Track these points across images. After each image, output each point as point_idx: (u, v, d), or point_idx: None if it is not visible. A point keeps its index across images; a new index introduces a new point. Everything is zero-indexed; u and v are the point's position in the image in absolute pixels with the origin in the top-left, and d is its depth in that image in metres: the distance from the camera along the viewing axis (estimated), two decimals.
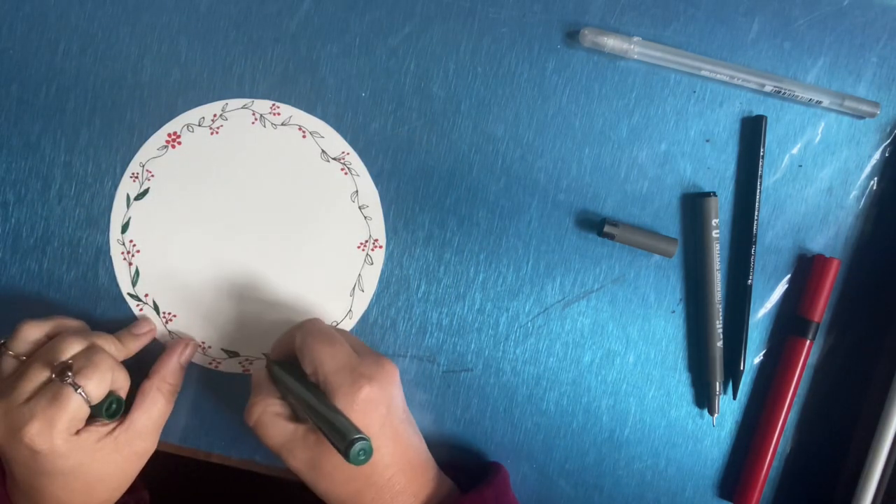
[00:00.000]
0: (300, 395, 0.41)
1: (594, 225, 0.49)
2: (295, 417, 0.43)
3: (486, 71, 0.48)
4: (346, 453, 0.36)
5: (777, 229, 0.49)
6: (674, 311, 0.49)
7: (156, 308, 0.49)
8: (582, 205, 0.49)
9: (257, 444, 0.50)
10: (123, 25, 0.48)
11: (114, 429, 0.44)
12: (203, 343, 0.49)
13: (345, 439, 0.36)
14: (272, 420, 0.42)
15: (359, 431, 0.37)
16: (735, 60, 0.48)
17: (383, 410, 0.41)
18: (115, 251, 0.49)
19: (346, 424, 0.37)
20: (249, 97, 0.49)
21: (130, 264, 0.49)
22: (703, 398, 0.50)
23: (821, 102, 0.47)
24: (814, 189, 0.49)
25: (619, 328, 0.49)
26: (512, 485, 0.49)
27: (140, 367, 0.46)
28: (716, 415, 0.49)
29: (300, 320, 0.49)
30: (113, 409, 0.43)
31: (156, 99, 0.49)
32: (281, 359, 0.46)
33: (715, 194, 0.48)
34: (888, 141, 0.49)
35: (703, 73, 0.47)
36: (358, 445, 0.36)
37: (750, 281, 0.48)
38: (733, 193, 0.49)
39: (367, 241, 0.49)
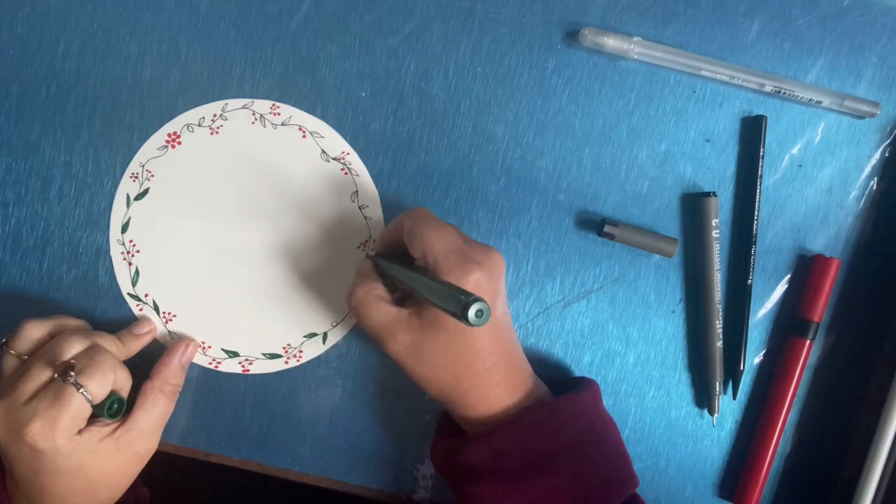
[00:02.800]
0: (408, 275, 0.40)
1: (594, 225, 0.49)
2: (398, 303, 0.42)
3: (486, 71, 0.48)
4: (464, 314, 0.34)
5: (777, 229, 0.49)
6: (674, 311, 0.49)
7: (156, 308, 0.49)
8: (582, 205, 0.49)
9: (257, 444, 0.50)
10: (123, 25, 0.48)
11: (115, 429, 0.44)
12: (203, 343, 0.49)
13: (461, 302, 0.34)
14: (376, 301, 0.41)
15: (474, 294, 0.35)
16: (735, 60, 0.48)
17: (490, 297, 0.40)
18: (115, 251, 0.49)
19: (460, 290, 0.36)
20: (249, 97, 0.49)
21: (130, 264, 0.49)
22: (703, 398, 0.50)
23: (821, 102, 0.47)
24: (814, 189, 0.49)
25: (619, 328, 0.49)
26: None
27: (141, 368, 0.46)
28: (716, 415, 0.49)
29: (300, 320, 0.49)
30: (115, 409, 0.43)
31: (156, 99, 0.49)
32: (384, 254, 0.45)
33: (715, 194, 0.48)
34: (888, 141, 0.49)
35: (703, 73, 0.47)
36: (476, 305, 0.34)
37: (750, 281, 0.48)
38: (733, 193, 0.49)
39: (367, 241, 0.49)
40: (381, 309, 0.41)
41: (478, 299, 0.34)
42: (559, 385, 0.45)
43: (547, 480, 0.40)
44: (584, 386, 0.44)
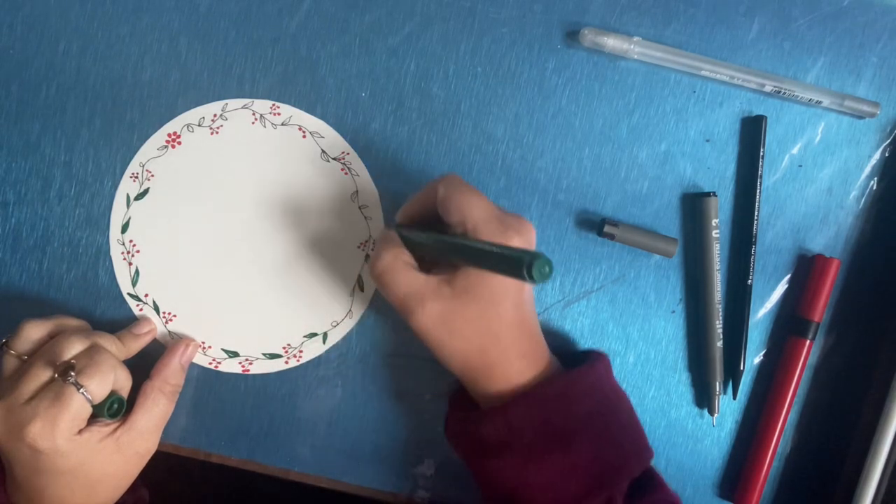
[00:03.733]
0: (450, 240, 0.39)
1: (594, 225, 0.49)
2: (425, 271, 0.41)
3: (486, 71, 0.48)
4: (528, 272, 0.31)
5: (777, 229, 0.49)
6: (674, 311, 0.49)
7: (156, 308, 0.49)
8: (582, 205, 0.49)
9: (257, 444, 0.50)
10: (123, 25, 0.48)
11: (115, 429, 0.44)
12: (203, 343, 0.49)
13: (524, 260, 0.32)
14: (404, 268, 0.40)
15: (535, 251, 0.33)
16: (735, 60, 0.48)
17: None
18: (115, 251, 0.49)
19: (517, 249, 0.34)
20: (249, 97, 0.49)
21: (130, 264, 0.49)
22: (703, 398, 0.50)
23: (821, 102, 0.47)
24: (814, 189, 0.49)
25: (619, 328, 0.49)
26: None
27: (141, 368, 0.46)
28: (716, 415, 0.49)
29: (300, 320, 0.49)
30: (115, 409, 0.43)
31: (156, 99, 0.49)
32: (407, 224, 0.44)
33: (715, 194, 0.48)
34: (888, 141, 0.49)
35: (703, 73, 0.47)
36: (541, 261, 0.31)
37: (750, 281, 0.48)
38: (733, 193, 0.49)
39: (367, 241, 0.49)
40: (409, 275, 0.40)
41: (541, 255, 0.32)
42: (569, 358, 0.45)
43: (563, 455, 0.39)
44: (596, 358, 0.43)
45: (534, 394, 0.40)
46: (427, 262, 0.42)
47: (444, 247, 0.40)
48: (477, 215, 0.39)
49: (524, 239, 0.39)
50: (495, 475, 0.41)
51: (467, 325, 0.39)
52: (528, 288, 0.41)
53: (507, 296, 0.39)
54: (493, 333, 0.40)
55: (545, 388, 0.40)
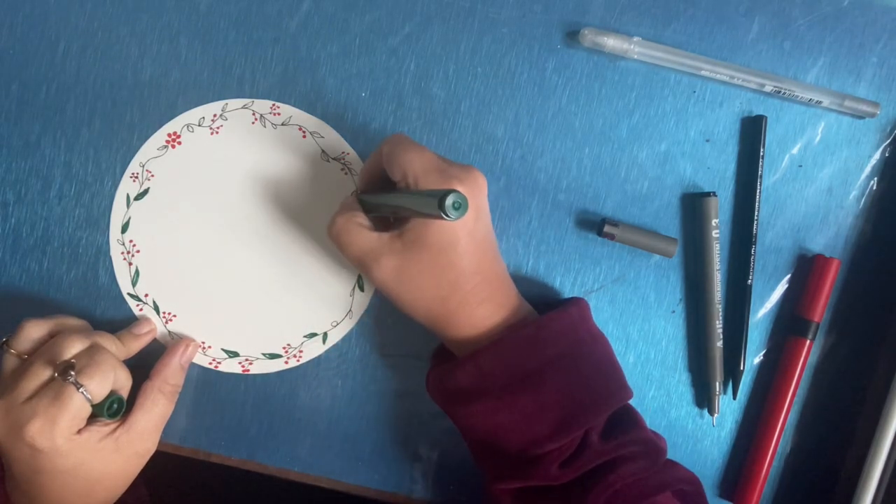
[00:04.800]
0: (387, 196, 0.40)
1: (594, 225, 0.49)
2: (381, 230, 0.42)
3: (486, 71, 0.48)
4: (441, 207, 0.33)
5: (777, 229, 0.49)
6: (674, 311, 0.49)
7: (156, 308, 0.49)
8: (582, 205, 0.49)
9: (257, 444, 0.50)
10: (123, 25, 0.48)
11: (115, 429, 0.44)
12: (203, 343, 0.49)
13: (436, 197, 0.34)
14: (356, 229, 0.41)
15: (449, 188, 0.35)
16: (735, 60, 0.48)
17: (473, 214, 0.40)
18: (115, 251, 0.49)
19: (436, 190, 0.35)
20: (249, 97, 0.49)
21: (130, 264, 0.49)
22: (703, 398, 0.50)
23: (821, 102, 0.47)
24: (814, 189, 0.49)
25: (619, 328, 0.49)
26: None
27: (141, 368, 0.46)
28: (716, 415, 0.49)
29: (300, 320, 0.49)
30: (114, 409, 0.43)
31: (156, 99, 0.49)
32: (368, 189, 0.45)
33: (715, 194, 0.48)
34: (888, 141, 0.49)
35: (703, 73, 0.47)
36: (452, 196, 0.33)
37: (750, 281, 0.48)
38: (733, 193, 0.49)
39: None
40: (361, 235, 0.41)
41: (453, 191, 0.33)
42: (548, 306, 0.45)
43: (533, 395, 0.40)
44: (572, 303, 0.43)
45: (504, 339, 0.41)
46: (395, 223, 0.43)
47: (387, 204, 0.41)
48: (417, 168, 0.40)
49: (466, 186, 0.39)
50: (472, 420, 0.42)
51: (422, 276, 0.40)
52: (478, 234, 0.41)
53: (456, 242, 0.39)
54: (449, 281, 0.40)
55: (515, 332, 0.41)
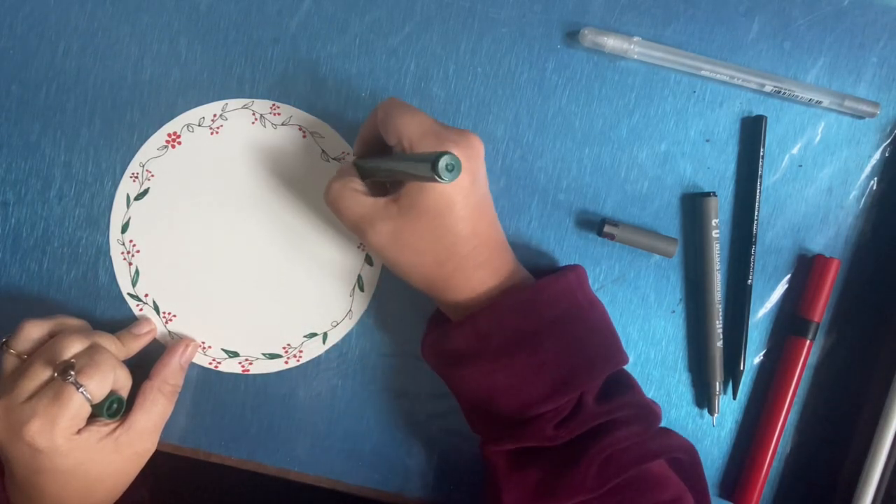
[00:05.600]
0: (383, 160, 0.40)
1: (594, 225, 0.49)
2: (378, 196, 0.42)
3: (486, 71, 0.48)
4: (434, 170, 0.33)
5: (777, 229, 0.49)
6: (674, 311, 0.49)
7: (156, 308, 0.49)
8: (582, 205, 0.49)
9: (257, 444, 0.50)
10: (123, 25, 0.48)
11: (114, 429, 0.44)
12: (203, 343, 0.49)
13: (430, 159, 0.33)
14: (352, 194, 0.41)
15: (442, 150, 0.34)
16: (735, 60, 0.48)
17: (469, 179, 0.39)
18: (115, 251, 0.49)
19: (428, 153, 0.35)
20: (249, 97, 0.49)
21: (130, 264, 0.49)
22: (703, 398, 0.50)
23: (821, 102, 0.47)
24: (814, 189, 0.49)
25: (619, 328, 0.49)
26: None
27: (141, 368, 0.46)
28: (716, 415, 0.49)
29: (300, 320, 0.49)
30: (114, 409, 0.43)
31: (156, 99, 0.49)
32: (365, 155, 0.45)
33: (715, 194, 0.48)
34: (888, 141, 0.49)
35: (703, 73, 0.47)
36: (445, 158, 0.33)
37: (750, 281, 0.48)
38: (733, 193, 0.49)
39: None
40: (357, 200, 0.41)
41: (446, 153, 0.33)
42: (546, 274, 0.45)
43: (529, 357, 0.40)
44: (570, 269, 0.43)
45: (501, 302, 0.41)
46: (392, 188, 0.43)
47: (383, 168, 0.40)
48: (413, 131, 0.39)
49: (462, 149, 0.39)
50: (467, 382, 0.42)
51: (418, 240, 0.40)
52: (474, 198, 0.40)
53: (452, 206, 0.39)
54: (445, 245, 0.40)
55: (513, 295, 0.41)
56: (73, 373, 0.41)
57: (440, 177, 0.33)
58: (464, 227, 0.40)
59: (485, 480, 0.44)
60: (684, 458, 0.43)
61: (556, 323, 0.41)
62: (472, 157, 0.40)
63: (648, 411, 0.42)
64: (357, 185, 0.42)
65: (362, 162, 0.43)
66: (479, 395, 0.42)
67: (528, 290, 0.41)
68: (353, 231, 0.42)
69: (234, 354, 0.50)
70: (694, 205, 0.48)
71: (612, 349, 0.42)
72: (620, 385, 0.42)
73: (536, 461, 0.41)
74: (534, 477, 0.41)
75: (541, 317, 0.41)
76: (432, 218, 0.40)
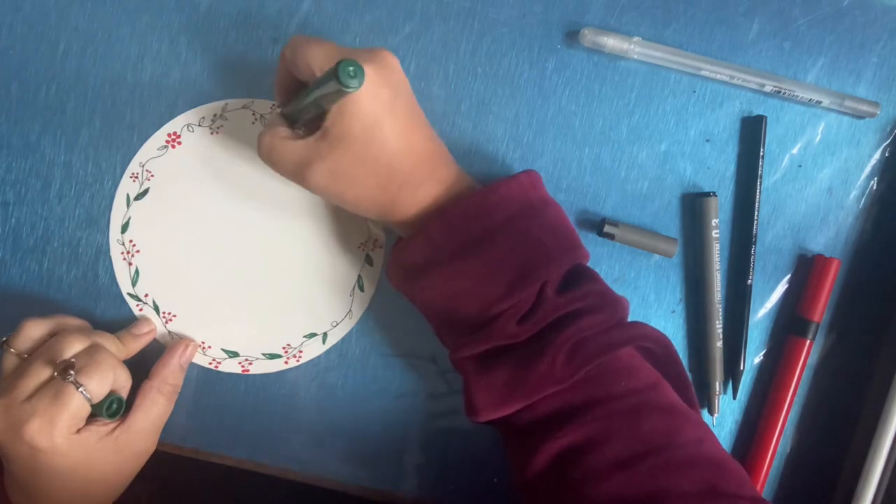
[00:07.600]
0: (299, 99, 0.40)
1: (594, 225, 0.49)
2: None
3: (486, 71, 0.48)
4: (337, 79, 0.33)
5: (777, 229, 0.49)
6: (674, 311, 0.49)
7: (156, 308, 0.49)
8: (582, 205, 0.49)
9: (257, 444, 0.50)
10: (123, 25, 0.48)
11: (114, 429, 0.44)
12: (203, 343, 0.49)
13: (331, 73, 0.33)
14: (281, 142, 0.41)
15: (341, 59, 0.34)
16: (735, 60, 0.48)
17: (389, 93, 0.39)
18: (115, 251, 0.49)
19: (330, 68, 0.35)
20: (249, 97, 0.49)
21: (130, 264, 0.49)
22: (703, 398, 0.49)
23: (821, 102, 0.47)
24: (814, 189, 0.49)
25: None
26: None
27: (141, 368, 0.46)
28: (716, 415, 0.49)
29: (300, 320, 0.49)
30: (114, 409, 0.43)
31: (156, 99, 0.49)
32: (286, 102, 0.44)
33: (715, 194, 0.48)
34: (888, 141, 0.49)
35: (703, 73, 0.47)
36: (342, 64, 0.33)
37: (750, 281, 0.48)
38: (733, 193, 0.49)
39: (366, 241, 0.49)
40: (287, 147, 0.41)
41: (343, 60, 0.33)
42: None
43: (484, 257, 0.40)
44: (523, 172, 0.43)
45: (451, 208, 0.40)
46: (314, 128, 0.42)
47: (302, 106, 0.40)
48: (321, 59, 0.39)
49: (374, 65, 0.38)
50: (428, 293, 0.42)
51: (356, 169, 0.40)
52: (400, 112, 0.40)
53: (379, 125, 0.39)
54: (383, 166, 0.40)
55: (461, 201, 0.41)
56: (72, 372, 0.41)
57: (345, 85, 0.33)
58: (396, 144, 0.40)
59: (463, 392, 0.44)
60: (657, 350, 0.42)
61: (508, 222, 0.40)
62: (385, 70, 0.39)
63: (611, 298, 0.41)
64: (285, 132, 0.42)
65: (286, 108, 0.43)
66: (442, 304, 0.42)
67: (478, 194, 0.41)
68: (293, 180, 0.42)
69: (234, 354, 0.50)
70: (694, 205, 0.48)
71: (569, 244, 0.41)
72: (582, 277, 0.42)
73: (504, 360, 0.40)
74: (502, 375, 0.40)
75: (491, 219, 0.40)
76: (362, 143, 0.39)
